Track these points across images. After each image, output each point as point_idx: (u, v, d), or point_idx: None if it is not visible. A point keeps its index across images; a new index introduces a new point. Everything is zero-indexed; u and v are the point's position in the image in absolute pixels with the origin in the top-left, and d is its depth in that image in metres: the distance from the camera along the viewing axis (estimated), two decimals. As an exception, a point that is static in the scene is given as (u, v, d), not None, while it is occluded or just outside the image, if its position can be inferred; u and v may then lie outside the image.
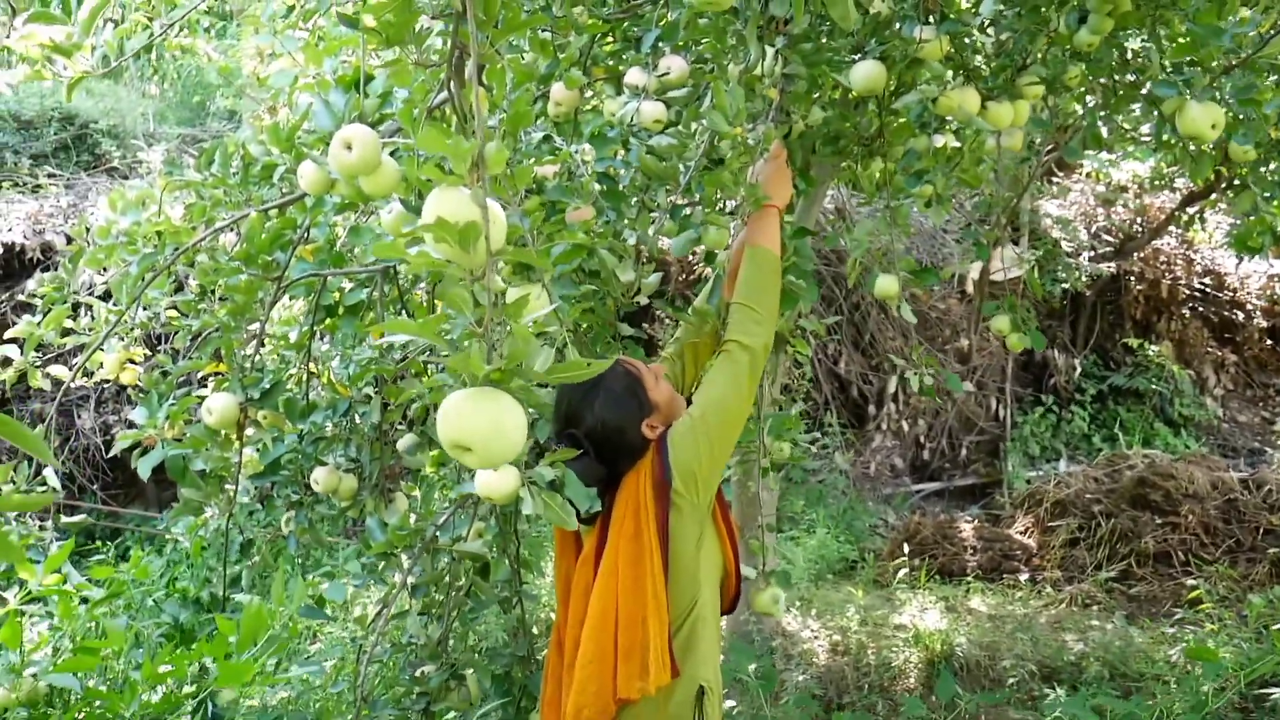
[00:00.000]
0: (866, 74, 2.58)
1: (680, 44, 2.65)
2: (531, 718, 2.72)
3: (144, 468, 3.14)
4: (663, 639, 2.14)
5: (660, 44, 2.57)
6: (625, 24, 2.86)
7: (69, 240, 7.54)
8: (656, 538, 2.19)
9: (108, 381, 3.73)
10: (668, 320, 7.51)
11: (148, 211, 3.34)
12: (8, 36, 2.62)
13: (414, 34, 2.08)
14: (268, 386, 3.02)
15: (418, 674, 2.33)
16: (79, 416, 7.08)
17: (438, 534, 2.77)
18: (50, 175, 8.56)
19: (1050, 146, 6.46)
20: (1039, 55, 2.92)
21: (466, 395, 1.38)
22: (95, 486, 6.94)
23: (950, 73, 2.69)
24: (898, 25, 2.64)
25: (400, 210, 2.26)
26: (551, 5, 2.52)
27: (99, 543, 6.81)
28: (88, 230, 3.91)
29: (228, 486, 3.01)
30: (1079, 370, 9.48)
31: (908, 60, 2.52)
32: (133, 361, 3.63)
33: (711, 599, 2.30)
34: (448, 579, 2.80)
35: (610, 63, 3.06)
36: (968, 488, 8.76)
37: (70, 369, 3.51)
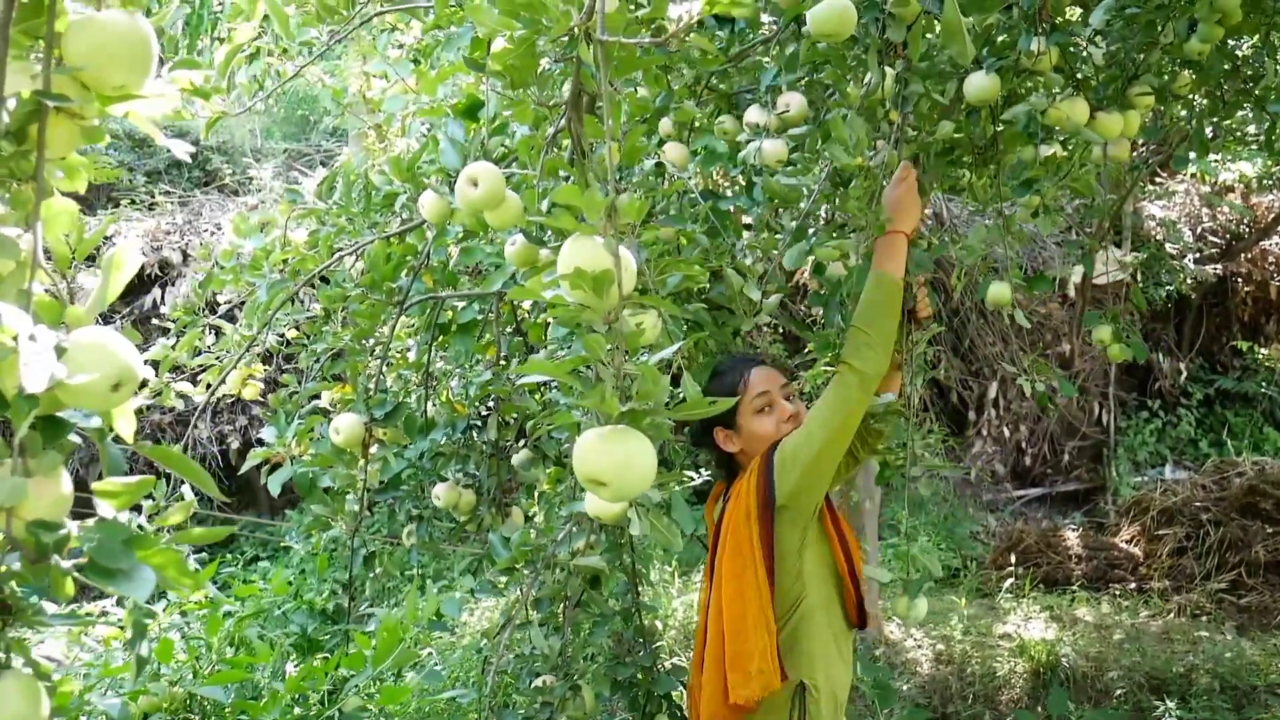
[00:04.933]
0: (980, 86, 2.61)
1: (798, 80, 2.70)
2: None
3: (274, 484, 3.29)
4: (770, 646, 2.21)
5: (779, 80, 2.63)
6: (723, 85, 2.93)
7: (184, 257, 7.83)
8: (760, 549, 2.27)
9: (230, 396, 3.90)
10: (765, 329, 7.55)
11: (270, 236, 3.50)
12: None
13: (536, 75, 2.18)
14: (391, 406, 3.15)
15: (541, 683, 2.43)
16: (196, 426, 7.32)
17: (558, 550, 2.87)
18: (165, 193, 8.87)
19: (1154, 148, 6.39)
20: (1154, 65, 2.91)
21: (601, 434, 1.47)
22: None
23: (1060, 83, 2.71)
24: (1007, 36, 2.67)
25: (524, 243, 2.37)
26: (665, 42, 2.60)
27: (220, 551, 7.08)
28: (210, 252, 4.09)
29: (352, 502, 3.15)
30: (1185, 374, 9.31)
31: (1019, 70, 2.55)
32: (253, 377, 3.80)
33: (822, 602, 2.34)
34: (568, 592, 2.90)
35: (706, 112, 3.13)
36: (1070, 494, 8.68)
37: (196, 385, 3.70)
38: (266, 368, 4.05)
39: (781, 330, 7.49)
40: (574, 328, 1.70)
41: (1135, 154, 6.37)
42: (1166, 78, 3.07)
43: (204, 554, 6.95)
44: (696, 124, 2.94)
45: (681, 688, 2.74)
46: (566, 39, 1.99)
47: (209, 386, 3.66)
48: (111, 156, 9.53)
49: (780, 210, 2.76)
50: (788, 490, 2.28)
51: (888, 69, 2.39)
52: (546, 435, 3.08)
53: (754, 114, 2.60)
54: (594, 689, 2.41)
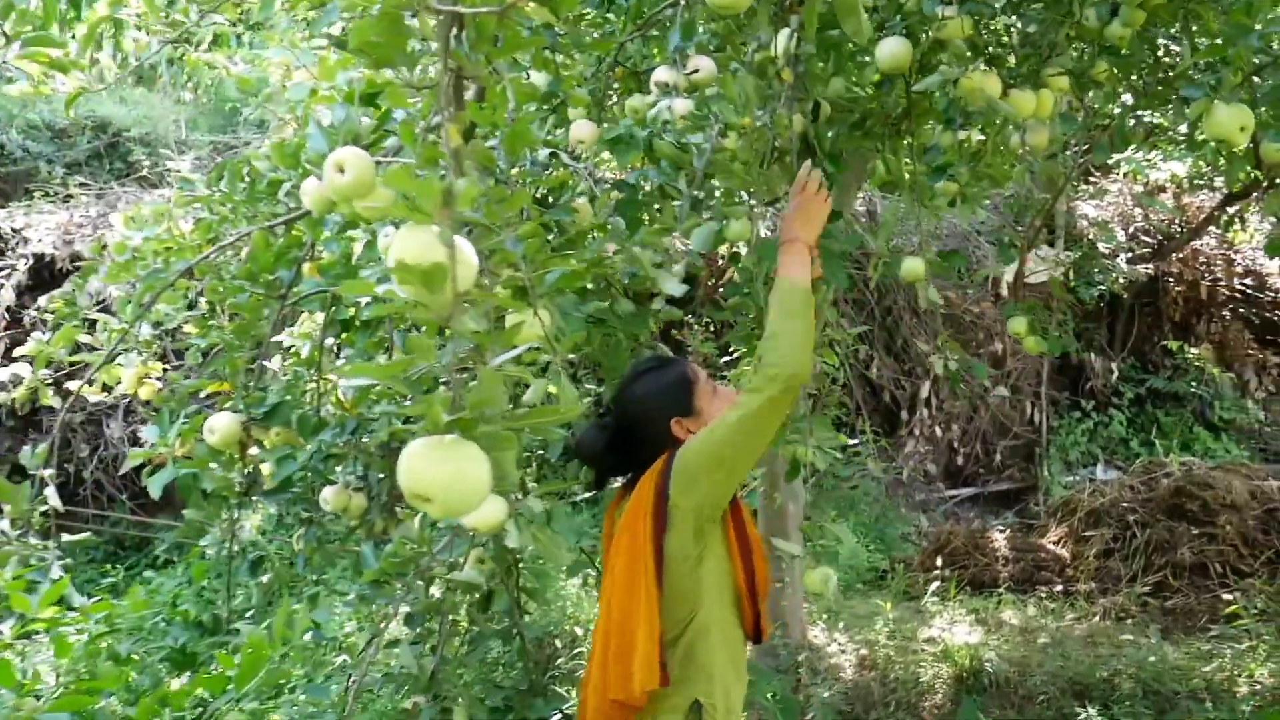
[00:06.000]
0: (892, 51, 2.51)
1: (704, 45, 2.59)
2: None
3: (154, 486, 3.11)
4: (652, 644, 2.12)
5: (687, 43, 2.53)
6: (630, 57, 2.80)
7: (104, 251, 7.56)
8: (650, 545, 2.18)
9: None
10: (697, 327, 7.43)
11: (161, 227, 3.33)
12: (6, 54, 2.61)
13: (406, 55, 2.03)
14: (271, 405, 2.99)
15: (410, 706, 2.28)
16: (107, 426, 7.10)
17: (433, 562, 2.72)
18: (81, 185, 8.59)
19: (1085, 148, 6.35)
20: (1065, 46, 2.84)
21: (429, 445, 1.32)
22: (124, 495, 6.95)
23: (970, 57, 2.63)
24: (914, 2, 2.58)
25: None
26: (554, 25, 2.46)
27: (128, 552, 6.84)
28: (103, 247, 3.90)
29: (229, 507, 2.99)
30: (1116, 374, 9.31)
31: (930, 40, 2.45)
32: (151, 376, 3.61)
33: (719, 618, 2.24)
34: (444, 608, 2.75)
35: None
36: (1002, 493, 8.64)
37: (90, 385, 3.51)
38: (168, 368, 3.86)
39: (711, 326, 7.38)
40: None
41: (1068, 151, 6.33)
42: (1086, 60, 3.00)
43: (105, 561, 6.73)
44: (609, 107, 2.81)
45: (561, 714, 2.61)
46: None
47: (104, 386, 3.50)
48: (29, 148, 9.27)
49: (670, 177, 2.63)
50: (684, 494, 2.19)
51: (783, 29, 2.28)
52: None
53: (662, 73, 2.49)
54: (468, 713, 2.26)
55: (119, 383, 3.51)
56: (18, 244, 7.45)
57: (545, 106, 2.89)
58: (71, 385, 3.49)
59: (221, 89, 10.64)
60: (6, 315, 7.06)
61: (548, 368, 2.82)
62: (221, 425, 2.88)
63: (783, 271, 2.29)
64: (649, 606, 2.14)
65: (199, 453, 2.96)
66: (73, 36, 2.58)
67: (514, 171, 2.47)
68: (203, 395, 3.20)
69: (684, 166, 2.41)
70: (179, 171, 8.35)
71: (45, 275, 7.26)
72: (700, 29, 2.40)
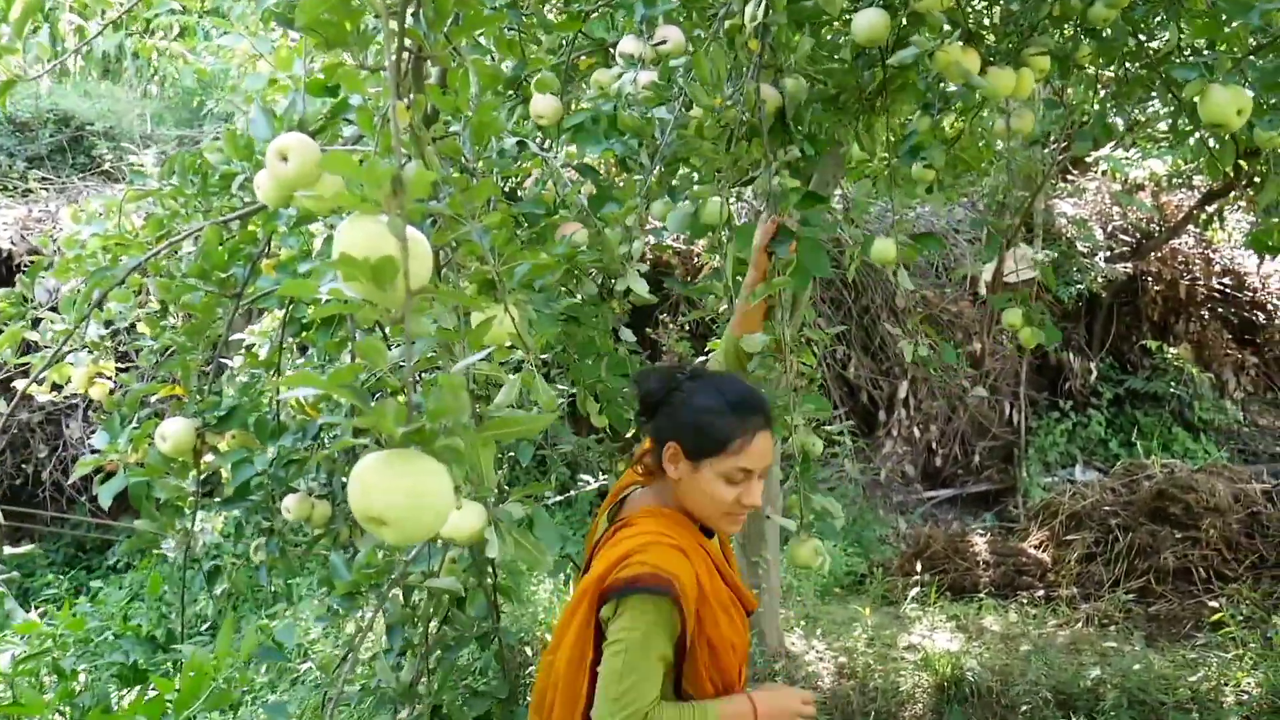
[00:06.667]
0: (869, 22, 2.39)
1: (672, 15, 2.46)
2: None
3: (104, 495, 2.93)
4: None
5: (652, 11, 2.40)
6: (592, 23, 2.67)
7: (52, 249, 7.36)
8: (587, 671, 2.00)
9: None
10: (671, 325, 7.31)
11: (112, 222, 3.19)
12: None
13: (358, 34, 1.88)
14: (227, 409, 2.84)
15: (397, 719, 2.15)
16: (66, 426, 6.90)
17: (408, 570, 2.58)
18: (43, 179, 8.40)
19: (1064, 144, 6.26)
20: (1046, 25, 2.74)
21: (382, 460, 1.18)
22: (84, 497, 6.75)
23: (949, 30, 2.52)
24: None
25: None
26: (517, 2, 2.32)
27: (90, 555, 6.65)
28: (53, 241, 3.74)
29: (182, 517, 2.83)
30: (1095, 374, 9.23)
31: (908, 11, 2.32)
32: (103, 375, 3.45)
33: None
34: (421, 617, 2.62)
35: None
36: (981, 494, 8.54)
37: (39, 384, 3.35)
38: (121, 366, 3.70)
39: (689, 327, 7.24)
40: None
41: (1048, 149, 6.24)
42: (1069, 45, 2.89)
43: (66, 564, 6.55)
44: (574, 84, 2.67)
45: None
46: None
47: (54, 385, 3.35)
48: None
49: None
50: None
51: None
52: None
53: (629, 44, 2.36)
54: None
55: (69, 382, 3.37)
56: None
57: (511, 93, 2.75)
58: (19, 384, 3.34)
59: (187, 82, 10.46)
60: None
61: (520, 367, 2.68)
62: (174, 431, 2.73)
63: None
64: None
65: (151, 460, 2.80)
66: (3, 21, 2.42)
67: (479, 162, 2.32)
68: (153, 399, 3.04)
69: (645, 138, 2.26)
70: (140, 166, 8.19)
71: (3, 271, 7.05)
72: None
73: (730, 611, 2.10)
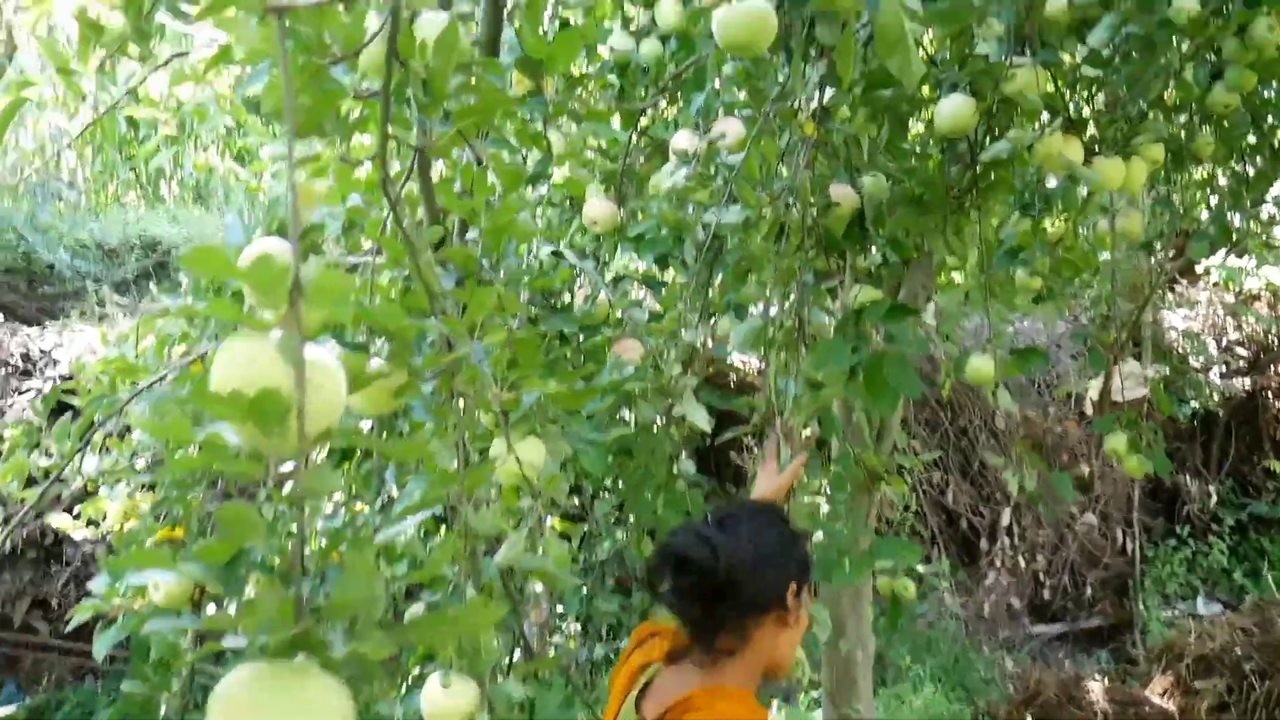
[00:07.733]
0: (954, 110, 2.05)
1: (733, 106, 2.19)
2: None
3: (99, 647, 2.60)
4: None
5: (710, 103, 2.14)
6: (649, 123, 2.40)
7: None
8: None
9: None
10: (757, 452, 6.92)
11: (128, 345, 3.01)
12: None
13: (339, 122, 1.58)
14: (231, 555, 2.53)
15: None
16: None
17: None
18: (118, 303, 8.41)
19: (1174, 251, 5.85)
20: (1159, 113, 2.40)
21: (251, 677, 0.83)
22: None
23: (1049, 118, 2.19)
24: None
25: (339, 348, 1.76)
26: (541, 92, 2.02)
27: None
28: (82, 366, 3.56)
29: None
30: (1214, 498, 8.61)
31: (999, 96, 1.99)
32: (142, 510, 3.21)
33: None
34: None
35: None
36: (1095, 630, 7.92)
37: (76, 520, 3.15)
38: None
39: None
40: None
41: (1154, 258, 5.83)
42: (1183, 134, 2.55)
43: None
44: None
45: None
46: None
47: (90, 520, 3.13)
48: (79, 267, 9.21)
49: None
50: None
51: (808, 69, 1.82)
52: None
53: (682, 139, 2.07)
54: None
55: (104, 517, 3.16)
56: (46, 365, 7.21)
57: (568, 202, 2.48)
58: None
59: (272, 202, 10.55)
60: (31, 438, 6.77)
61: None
62: (168, 580, 2.42)
63: None
64: None
65: (145, 612, 2.51)
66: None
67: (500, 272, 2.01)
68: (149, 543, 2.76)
69: (686, 230, 1.96)
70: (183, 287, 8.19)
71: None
72: (724, 77, 1.98)
73: None
